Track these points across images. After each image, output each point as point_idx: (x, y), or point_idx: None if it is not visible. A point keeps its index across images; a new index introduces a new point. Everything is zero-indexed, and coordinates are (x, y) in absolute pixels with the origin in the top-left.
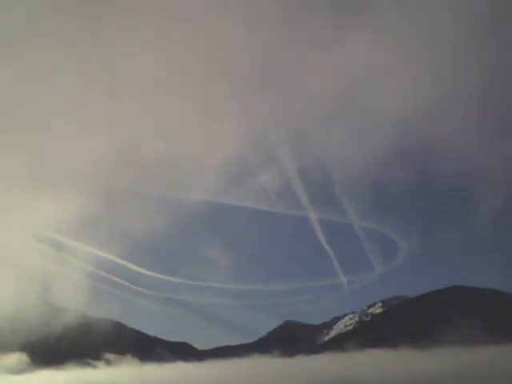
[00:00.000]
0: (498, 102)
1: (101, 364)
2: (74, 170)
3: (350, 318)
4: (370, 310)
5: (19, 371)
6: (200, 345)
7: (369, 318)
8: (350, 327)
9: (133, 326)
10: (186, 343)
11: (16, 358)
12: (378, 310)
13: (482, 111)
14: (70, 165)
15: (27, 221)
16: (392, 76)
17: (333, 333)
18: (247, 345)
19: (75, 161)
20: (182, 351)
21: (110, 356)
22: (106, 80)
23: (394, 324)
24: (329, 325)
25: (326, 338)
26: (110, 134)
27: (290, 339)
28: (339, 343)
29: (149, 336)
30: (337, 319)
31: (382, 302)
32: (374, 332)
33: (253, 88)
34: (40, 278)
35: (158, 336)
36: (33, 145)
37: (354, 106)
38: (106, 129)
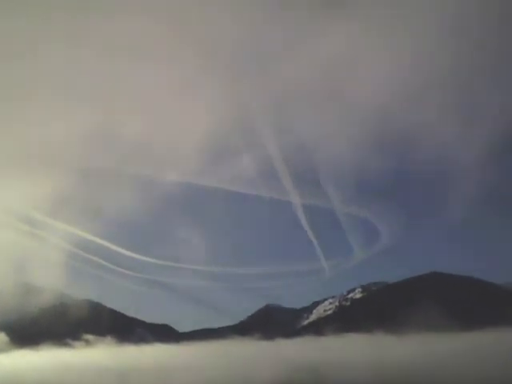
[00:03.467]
0: (474, 89)
1: (80, 345)
2: (50, 148)
3: (330, 303)
4: (350, 295)
5: None
6: (180, 327)
7: (348, 303)
8: (329, 312)
9: (112, 307)
10: (166, 325)
11: None
12: (358, 295)
13: (457, 99)
14: (46, 143)
15: (2, 199)
16: (368, 64)
17: (312, 317)
18: (228, 327)
19: (50, 139)
20: (163, 333)
21: (89, 337)
22: (81, 58)
23: (372, 309)
24: (309, 309)
25: (306, 322)
26: (85, 112)
27: (271, 323)
28: (318, 327)
29: (129, 317)
30: (317, 303)
31: (362, 287)
32: (351, 317)
33: (233, 71)
34: (16, 257)
35: (138, 317)
36: (8, 124)
37: (333, 94)
38: (81, 107)
